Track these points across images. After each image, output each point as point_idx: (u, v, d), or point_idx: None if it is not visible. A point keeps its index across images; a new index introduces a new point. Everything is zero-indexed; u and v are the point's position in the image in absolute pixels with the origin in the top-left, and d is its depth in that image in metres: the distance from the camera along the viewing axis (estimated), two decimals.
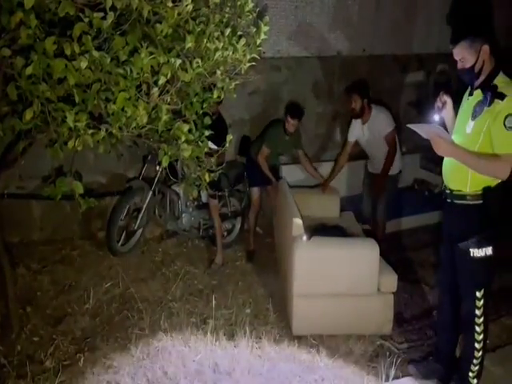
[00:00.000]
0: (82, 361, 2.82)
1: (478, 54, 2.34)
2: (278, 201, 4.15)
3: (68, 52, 1.88)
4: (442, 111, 2.59)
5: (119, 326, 3.20)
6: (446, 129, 2.51)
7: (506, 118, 2.21)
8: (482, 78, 2.38)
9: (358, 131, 4.20)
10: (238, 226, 4.54)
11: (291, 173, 4.69)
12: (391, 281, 3.20)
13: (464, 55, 2.38)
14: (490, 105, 2.26)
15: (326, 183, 4.41)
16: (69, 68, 1.89)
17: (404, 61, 5.37)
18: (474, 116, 2.34)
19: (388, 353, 3.05)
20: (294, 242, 3.20)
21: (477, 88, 2.39)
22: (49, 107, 1.99)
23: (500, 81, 2.31)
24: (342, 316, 3.19)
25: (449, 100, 2.60)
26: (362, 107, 4.07)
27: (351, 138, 4.29)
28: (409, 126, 2.49)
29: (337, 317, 3.18)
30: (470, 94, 2.44)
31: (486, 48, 2.33)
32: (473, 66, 2.36)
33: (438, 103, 2.59)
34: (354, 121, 4.22)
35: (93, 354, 2.91)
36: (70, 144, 2.07)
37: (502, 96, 2.23)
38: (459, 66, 2.42)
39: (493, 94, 2.25)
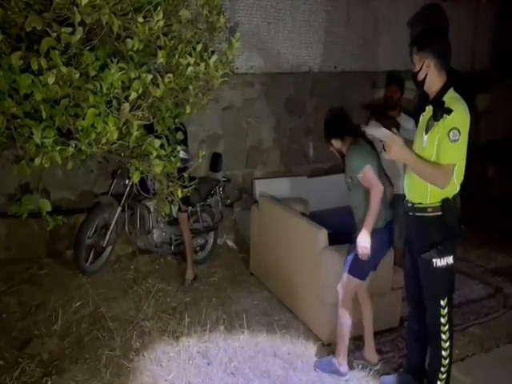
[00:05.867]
0: None
1: (421, 65, 2.45)
2: (265, 215, 4.11)
3: (35, 67, 1.84)
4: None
5: (89, 347, 3.10)
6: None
7: (450, 130, 2.32)
8: (432, 93, 2.49)
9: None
10: (211, 242, 4.50)
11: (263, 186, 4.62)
12: (401, 277, 3.26)
13: (413, 59, 2.51)
14: (437, 120, 2.37)
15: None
16: (35, 83, 1.84)
17: (373, 77, 5.49)
18: (427, 130, 2.45)
19: (360, 365, 3.05)
20: (321, 253, 3.26)
21: (428, 104, 2.51)
22: (15, 123, 1.93)
23: (448, 97, 2.42)
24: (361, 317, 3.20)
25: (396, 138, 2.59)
26: (398, 100, 4.01)
27: None
28: (365, 128, 2.63)
29: (358, 318, 3.12)
30: (423, 110, 2.55)
31: (428, 63, 2.44)
32: (417, 73, 2.48)
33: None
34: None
35: (61, 377, 2.81)
36: (37, 161, 2.01)
37: (449, 111, 2.34)
38: (413, 67, 2.54)
39: (441, 109, 2.36)
